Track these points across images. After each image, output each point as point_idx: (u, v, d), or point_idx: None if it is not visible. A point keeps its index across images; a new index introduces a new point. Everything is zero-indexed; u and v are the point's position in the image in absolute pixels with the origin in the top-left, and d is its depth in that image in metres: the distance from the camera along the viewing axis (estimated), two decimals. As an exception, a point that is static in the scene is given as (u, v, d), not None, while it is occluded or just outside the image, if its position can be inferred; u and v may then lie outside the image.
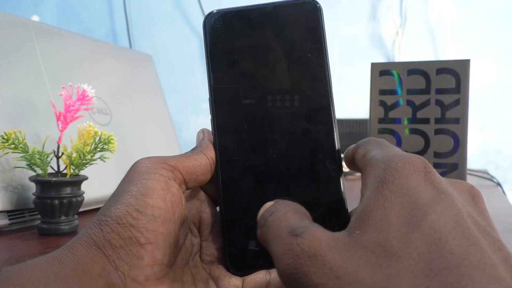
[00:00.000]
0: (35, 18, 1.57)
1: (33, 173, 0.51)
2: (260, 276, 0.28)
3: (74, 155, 0.51)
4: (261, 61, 0.29)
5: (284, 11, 0.28)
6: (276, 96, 0.28)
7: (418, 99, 0.48)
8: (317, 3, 0.28)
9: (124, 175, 0.26)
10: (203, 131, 0.30)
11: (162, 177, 0.25)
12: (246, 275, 0.28)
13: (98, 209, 0.63)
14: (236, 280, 0.28)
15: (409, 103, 0.48)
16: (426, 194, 0.19)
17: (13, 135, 0.48)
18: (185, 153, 0.28)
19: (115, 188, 0.26)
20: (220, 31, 0.29)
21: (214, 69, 0.29)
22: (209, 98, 0.29)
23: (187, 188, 0.28)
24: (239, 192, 0.28)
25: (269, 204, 0.25)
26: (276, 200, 0.25)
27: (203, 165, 0.28)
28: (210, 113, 0.29)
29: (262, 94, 0.28)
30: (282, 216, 0.22)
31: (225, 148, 0.28)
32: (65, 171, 0.52)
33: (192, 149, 0.29)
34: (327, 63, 0.28)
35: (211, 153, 0.28)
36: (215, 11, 0.29)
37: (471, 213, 0.20)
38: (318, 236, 0.19)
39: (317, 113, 0.27)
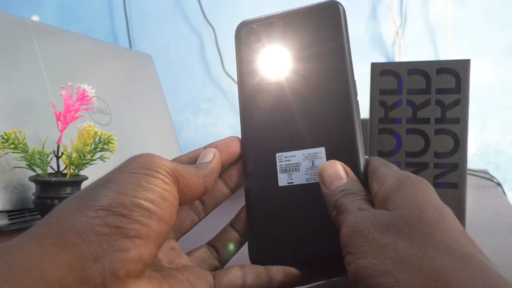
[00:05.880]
0: (35, 18, 1.57)
1: (33, 173, 0.51)
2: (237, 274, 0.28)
3: (74, 155, 0.51)
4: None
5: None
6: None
7: (418, 99, 0.48)
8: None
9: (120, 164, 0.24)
10: (214, 154, 0.29)
11: (167, 176, 0.24)
12: (268, 264, 0.29)
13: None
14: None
15: (409, 103, 0.48)
16: (438, 199, 0.24)
17: (13, 135, 0.48)
18: (190, 168, 0.27)
19: None
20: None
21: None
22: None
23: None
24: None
25: None
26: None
27: (196, 192, 0.27)
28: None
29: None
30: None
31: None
32: (65, 171, 0.52)
33: (198, 168, 0.27)
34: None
35: (211, 183, 0.28)
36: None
37: None
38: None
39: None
